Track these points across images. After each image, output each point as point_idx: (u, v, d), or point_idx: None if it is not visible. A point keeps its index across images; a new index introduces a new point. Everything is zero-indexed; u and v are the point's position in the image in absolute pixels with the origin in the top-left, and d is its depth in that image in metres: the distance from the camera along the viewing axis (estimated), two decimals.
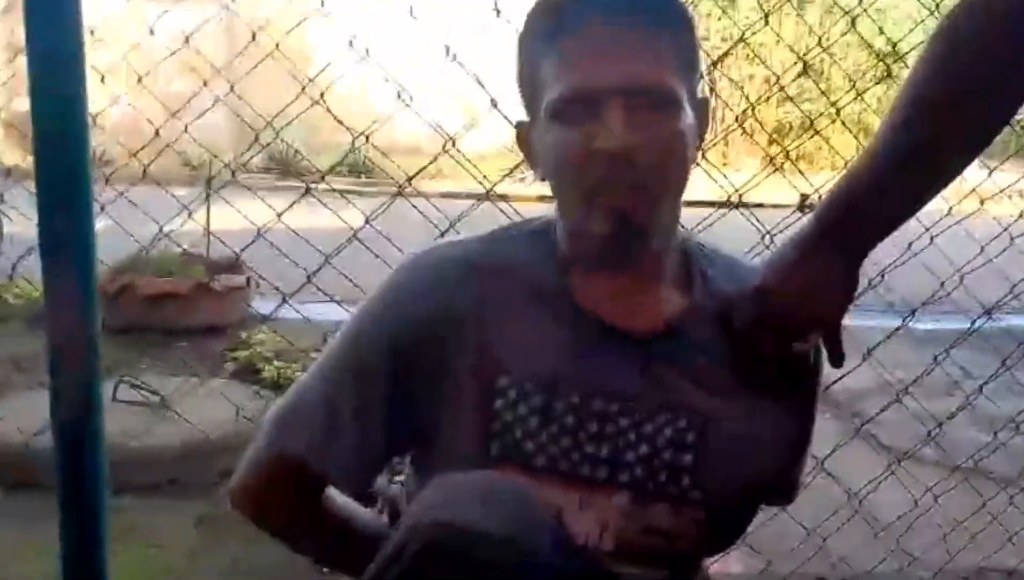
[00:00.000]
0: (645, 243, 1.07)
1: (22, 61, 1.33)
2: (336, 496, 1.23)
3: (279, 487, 1.18)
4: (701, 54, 1.11)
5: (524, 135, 1.16)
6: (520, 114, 1.16)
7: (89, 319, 1.32)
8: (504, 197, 1.97)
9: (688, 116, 1.05)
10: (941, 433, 2.28)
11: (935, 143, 0.97)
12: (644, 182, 1.03)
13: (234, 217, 2.27)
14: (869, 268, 1.18)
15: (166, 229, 1.99)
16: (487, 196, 1.96)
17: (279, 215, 1.85)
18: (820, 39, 2.51)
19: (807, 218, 1.09)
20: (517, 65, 1.12)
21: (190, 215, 2.16)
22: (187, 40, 1.78)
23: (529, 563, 0.94)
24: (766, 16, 2.24)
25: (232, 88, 1.90)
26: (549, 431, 1.09)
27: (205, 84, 1.77)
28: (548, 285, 1.12)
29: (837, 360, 1.13)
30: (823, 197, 1.07)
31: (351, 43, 1.82)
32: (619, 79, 1.01)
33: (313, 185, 1.83)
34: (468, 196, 2.23)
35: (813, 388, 1.19)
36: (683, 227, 1.17)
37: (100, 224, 1.83)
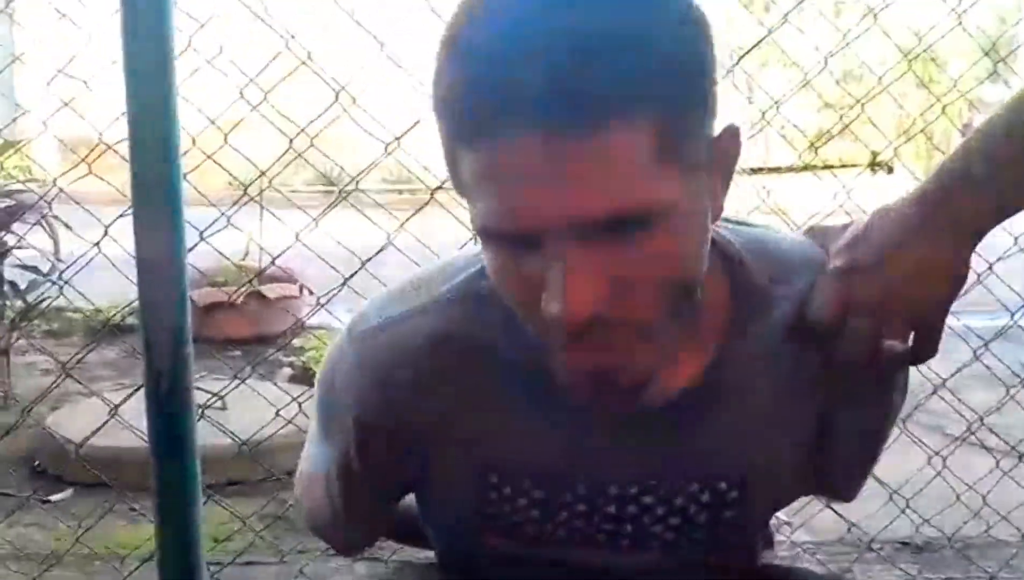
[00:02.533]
0: (644, 377, 0.80)
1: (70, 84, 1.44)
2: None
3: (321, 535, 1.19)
4: (708, 85, 0.75)
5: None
6: None
7: (181, 319, 1.39)
8: None
9: (681, 212, 0.73)
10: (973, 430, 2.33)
11: None
12: (626, 335, 0.76)
13: (283, 231, 2.36)
14: None
15: (216, 244, 2.06)
16: None
17: (315, 220, 1.87)
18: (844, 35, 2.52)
19: (904, 193, 0.90)
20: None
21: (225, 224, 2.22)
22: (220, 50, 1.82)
23: None
24: (782, 16, 2.26)
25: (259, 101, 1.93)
26: (556, 520, 0.95)
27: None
28: (530, 366, 0.87)
29: (927, 355, 0.91)
30: (931, 172, 0.89)
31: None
32: (561, 213, 0.70)
33: (351, 191, 1.87)
34: None
35: (899, 396, 0.97)
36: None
37: None
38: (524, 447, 0.92)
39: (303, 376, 3.67)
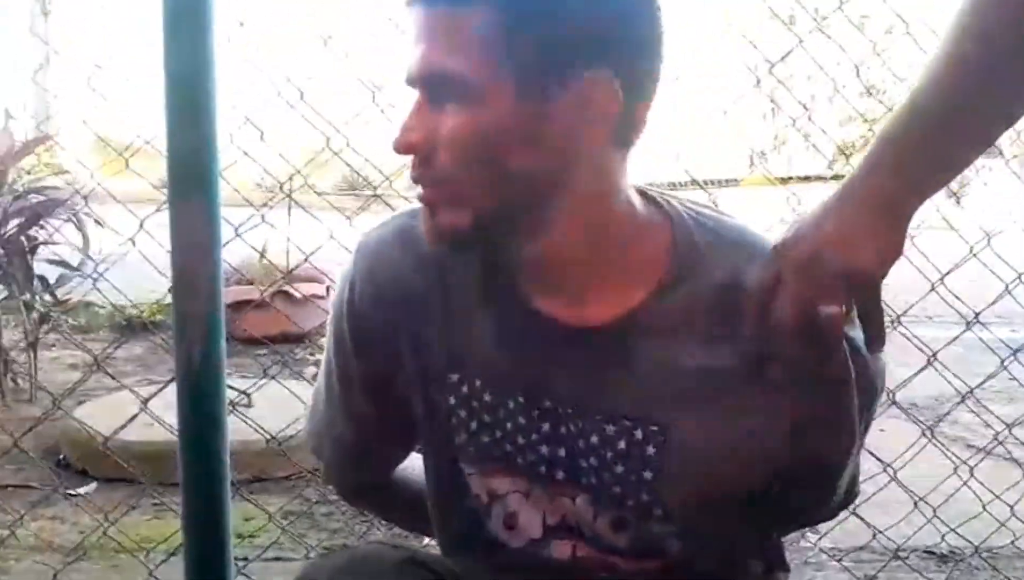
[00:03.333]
0: (473, 236, 0.96)
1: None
2: (416, 464, 1.25)
3: (332, 476, 1.29)
4: (574, 21, 0.91)
5: None
6: None
7: (215, 311, 1.42)
8: None
9: (497, 106, 0.91)
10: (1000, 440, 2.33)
11: (989, 74, 0.88)
12: (440, 178, 0.94)
13: (310, 232, 2.38)
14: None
15: (242, 244, 2.07)
16: None
17: (348, 218, 1.89)
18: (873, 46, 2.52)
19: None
20: None
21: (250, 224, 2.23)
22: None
23: None
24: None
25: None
26: (503, 428, 1.04)
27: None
28: (491, 273, 1.03)
29: (876, 341, 0.96)
30: (867, 151, 0.94)
31: None
32: (415, 67, 0.94)
33: (380, 193, 1.88)
34: None
35: (845, 375, 0.98)
36: (672, 198, 1.04)
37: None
38: (479, 347, 1.03)
39: None
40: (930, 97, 0.91)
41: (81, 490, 2.90)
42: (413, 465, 1.28)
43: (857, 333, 0.97)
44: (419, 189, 0.97)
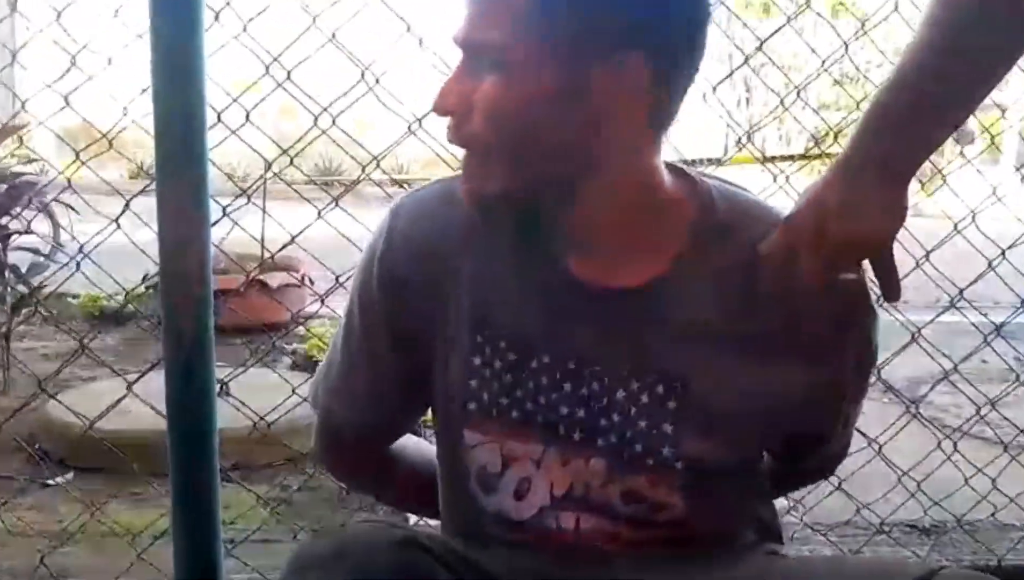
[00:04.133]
0: (505, 201, 1.04)
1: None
2: (410, 446, 1.30)
3: (332, 446, 1.28)
4: (615, 11, 0.97)
5: None
6: None
7: (204, 295, 1.40)
8: None
9: (528, 75, 0.97)
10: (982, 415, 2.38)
11: (974, 39, 0.93)
12: (475, 142, 1.01)
13: (287, 223, 2.38)
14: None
15: (217, 234, 2.04)
16: None
17: (319, 213, 1.88)
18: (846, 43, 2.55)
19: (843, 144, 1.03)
20: None
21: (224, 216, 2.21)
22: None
23: None
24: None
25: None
26: (524, 388, 1.07)
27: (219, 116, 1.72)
28: (526, 237, 1.08)
29: (892, 291, 1.04)
30: (858, 121, 1.01)
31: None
32: (459, 33, 1.01)
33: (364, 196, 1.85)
34: None
35: (863, 331, 1.09)
36: (690, 169, 1.11)
37: (146, 234, 1.92)
38: (507, 309, 1.07)
39: (305, 364, 3.67)
40: (921, 57, 0.95)
41: (59, 479, 2.87)
42: (412, 443, 1.30)
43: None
44: (461, 159, 1.04)
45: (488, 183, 1.02)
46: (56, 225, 3.96)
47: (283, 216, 3.04)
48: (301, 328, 3.87)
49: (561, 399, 1.06)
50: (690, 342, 1.04)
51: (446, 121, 1.03)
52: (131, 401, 2.05)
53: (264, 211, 3.43)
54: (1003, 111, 2.79)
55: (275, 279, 4.06)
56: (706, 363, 1.04)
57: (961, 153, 2.67)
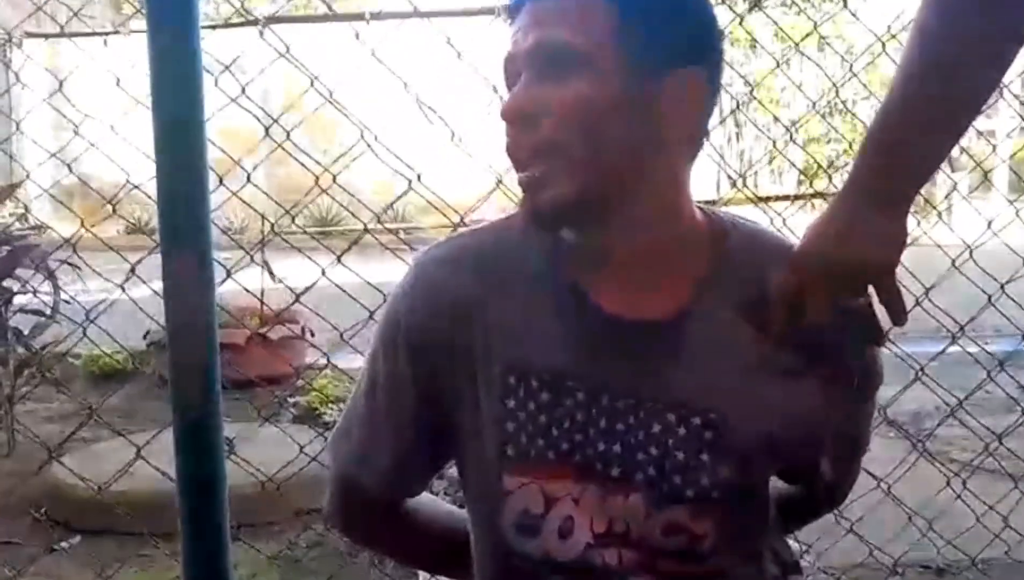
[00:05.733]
0: (576, 215, 1.03)
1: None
2: (426, 502, 1.27)
3: (349, 505, 1.25)
4: (675, 19, 1.01)
5: None
6: None
7: (211, 357, 1.40)
8: None
9: (606, 81, 0.98)
10: (990, 450, 2.36)
11: (962, 61, 0.95)
12: (549, 147, 0.99)
13: (286, 276, 2.38)
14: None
15: (220, 289, 2.05)
16: None
17: (323, 271, 1.88)
18: (836, 85, 2.58)
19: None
20: None
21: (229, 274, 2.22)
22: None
23: None
24: (777, 64, 2.34)
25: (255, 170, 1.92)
26: (560, 427, 1.06)
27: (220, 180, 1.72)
28: (550, 275, 1.08)
29: (898, 315, 1.04)
30: (857, 152, 1.02)
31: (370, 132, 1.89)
32: (525, 43, 1.00)
33: (355, 237, 1.87)
34: None
35: (866, 361, 1.11)
36: (704, 205, 1.12)
37: (147, 291, 1.94)
38: (537, 349, 1.06)
39: (307, 417, 3.66)
40: (908, 88, 0.97)
41: (65, 543, 2.85)
42: (428, 499, 1.28)
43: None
44: (521, 173, 1.03)
45: (563, 191, 1.00)
46: (56, 286, 3.97)
47: (281, 268, 3.04)
48: (300, 380, 3.85)
49: (597, 436, 1.06)
50: (721, 371, 1.05)
51: (503, 134, 1.02)
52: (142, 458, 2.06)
53: (265, 265, 3.43)
54: (994, 147, 2.81)
55: (275, 332, 4.06)
56: (738, 392, 1.05)
57: (955, 186, 2.69)
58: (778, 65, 2.25)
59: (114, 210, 1.66)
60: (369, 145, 1.70)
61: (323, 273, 1.74)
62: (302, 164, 1.83)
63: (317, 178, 1.69)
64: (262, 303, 4.12)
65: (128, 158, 1.90)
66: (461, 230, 1.18)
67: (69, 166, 1.73)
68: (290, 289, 2.12)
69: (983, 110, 1.03)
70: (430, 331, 1.10)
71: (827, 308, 1.01)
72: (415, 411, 1.13)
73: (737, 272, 1.07)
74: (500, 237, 1.12)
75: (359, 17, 2.38)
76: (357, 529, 1.32)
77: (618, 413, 1.05)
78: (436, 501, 1.33)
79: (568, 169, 0.99)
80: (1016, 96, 2.98)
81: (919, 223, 2.38)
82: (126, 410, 4.23)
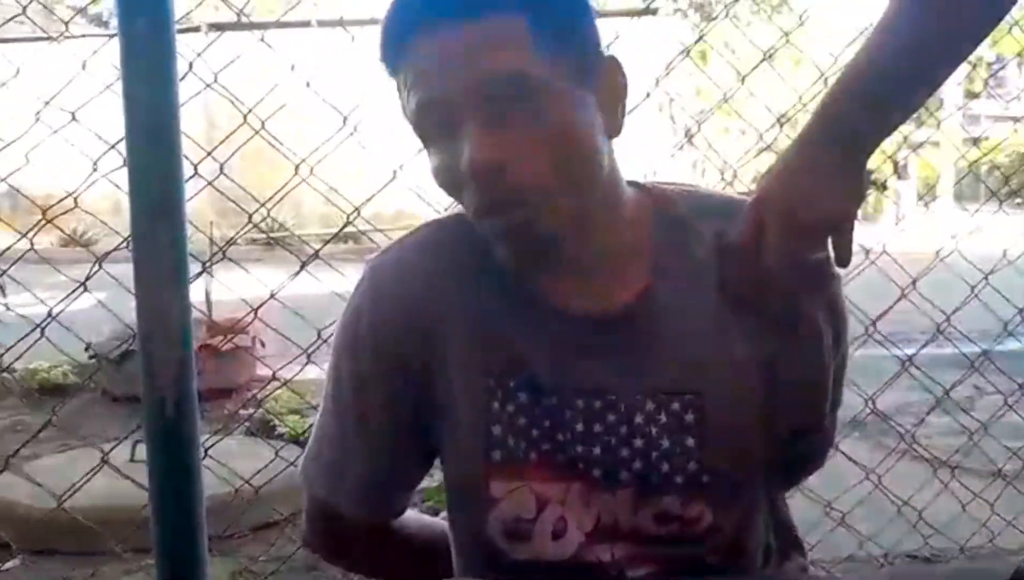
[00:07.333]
0: (565, 239, 0.97)
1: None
2: (410, 521, 1.21)
3: (328, 529, 1.18)
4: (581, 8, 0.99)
5: None
6: None
7: (187, 363, 1.33)
8: None
9: (563, 98, 0.94)
10: (975, 442, 2.38)
11: (941, 16, 0.95)
12: (524, 196, 0.93)
13: (230, 285, 2.32)
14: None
15: None
16: None
17: (272, 295, 1.85)
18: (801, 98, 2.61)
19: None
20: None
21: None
22: None
23: None
24: (743, 79, 2.37)
25: (221, 168, 1.80)
26: (540, 429, 1.03)
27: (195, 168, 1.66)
28: (507, 280, 1.03)
29: (845, 258, 1.00)
30: (821, 99, 1.00)
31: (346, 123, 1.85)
32: (461, 83, 0.91)
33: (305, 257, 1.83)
34: None
35: (831, 301, 1.07)
36: (638, 181, 1.09)
37: (91, 300, 1.85)
38: (511, 351, 1.03)
39: (262, 429, 3.54)
40: (887, 36, 0.96)
41: (6, 565, 2.71)
42: (412, 515, 1.23)
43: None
44: (496, 221, 0.96)
45: (557, 220, 0.95)
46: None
47: (227, 279, 2.94)
48: (250, 393, 3.74)
49: (577, 438, 1.03)
50: (691, 350, 1.02)
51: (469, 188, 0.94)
52: (82, 475, 1.95)
53: (208, 272, 3.33)
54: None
55: (225, 342, 3.94)
56: (710, 367, 1.03)
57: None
58: (743, 81, 2.25)
59: (47, 220, 1.56)
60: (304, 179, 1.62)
61: (302, 273, 1.66)
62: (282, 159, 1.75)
63: (297, 165, 1.60)
64: (209, 312, 4.01)
65: (61, 168, 1.83)
66: (410, 230, 1.11)
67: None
68: (244, 301, 2.04)
69: (955, 68, 1.00)
70: (395, 331, 1.06)
71: (787, 253, 0.98)
72: (388, 418, 1.08)
73: (689, 237, 1.04)
74: (450, 238, 1.07)
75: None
76: (337, 551, 1.24)
77: (595, 413, 1.03)
78: (421, 516, 1.27)
79: (548, 208, 0.94)
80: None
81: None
82: (69, 425, 4.06)
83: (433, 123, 0.95)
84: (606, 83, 0.99)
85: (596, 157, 0.97)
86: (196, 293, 3.40)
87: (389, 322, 1.06)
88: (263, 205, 1.75)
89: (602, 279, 1.03)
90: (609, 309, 1.02)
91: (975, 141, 4.44)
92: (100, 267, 1.65)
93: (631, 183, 1.07)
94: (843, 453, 1.28)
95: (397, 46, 0.95)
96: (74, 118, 1.62)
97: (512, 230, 0.95)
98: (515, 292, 1.04)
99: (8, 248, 1.91)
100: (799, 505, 1.32)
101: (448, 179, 0.97)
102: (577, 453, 1.03)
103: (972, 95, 9.31)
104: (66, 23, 2.07)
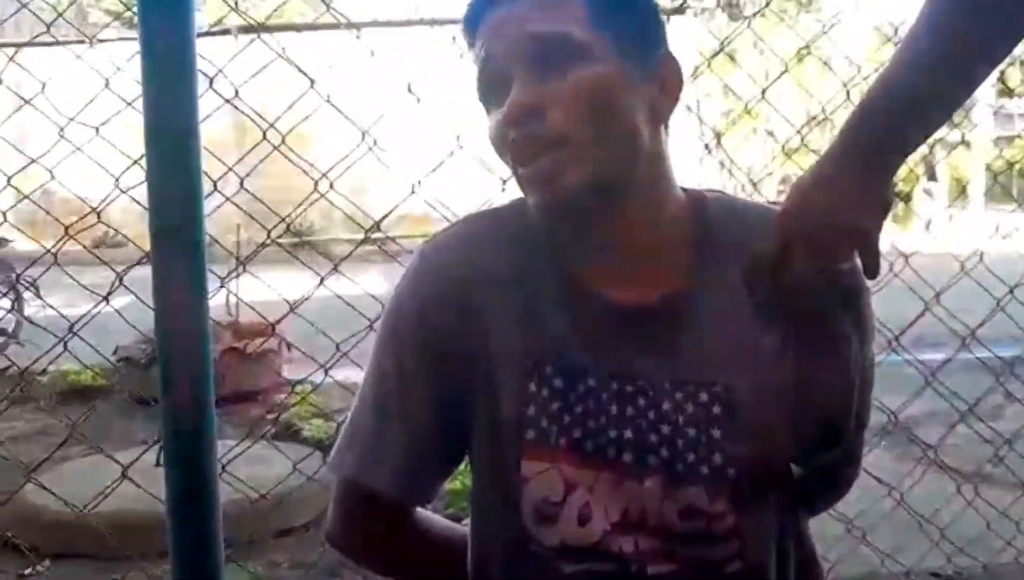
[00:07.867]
0: (594, 202, 1.02)
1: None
2: (433, 519, 1.22)
3: (355, 518, 1.18)
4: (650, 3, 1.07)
5: None
6: None
7: (204, 371, 1.33)
8: None
9: (606, 65, 1.00)
10: (1001, 456, 2.34)
11: (959, 39, 0.95)
12: (558, 137, 0.99)
13: (257, 288, 2.32)
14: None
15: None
16: None
17: (304, 299, 1.85)
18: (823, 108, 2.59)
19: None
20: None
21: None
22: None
23: None
24: (763, 92, 2.36)
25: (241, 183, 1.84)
26: (573, 414, 1.06)
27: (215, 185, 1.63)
28: (550, 264, 1.08)
29: (873, 270, 1.02)
30: (849, 114, 1.01)
31: (363, 135, 1.85)
32: (513, 43, 1.00)
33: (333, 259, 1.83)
34: None
35: (859, 314, 1.09)
36: (688, 186, 1.12)
37: (123, 301, 1.86)
38: (550, 336, 1.06)
39: (286, 434, 3.55)
40: (915, 52, 0.97)
41: (34, 569, 2.74)
42: (437, 518, 1.24)
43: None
44: (530, 167, 1.01)
45: (581, 176, 0.99)
46: (20, 301, 3.85)
47: (255, 281, 2.96)
48: (278, 397, 3.75)
49: (609, 422, 1.06)
50: (722, 346, 1.06)
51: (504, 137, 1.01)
52: (109, 480, 1.97)
53: (234, 277, 3.34)
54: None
55: (252, 346, 3.95)
56: (740, 365, 1.05)
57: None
58: (763, 94, 2.24)
59: (70, 236, 1.57)
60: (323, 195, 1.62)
61: (322, 280, 1.67)
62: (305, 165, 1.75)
63: (317, 180, 1.61)
64: (236, 315, 4.03)
65: (94, 174, 1.84)
66: (461, 218, 1.16)
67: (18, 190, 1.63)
68: (287, 302, 2.04)
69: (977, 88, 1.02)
70: (439, 313, 1.09)
71: (812, 269, 1.01)
72: (427, 400, 1.10)
73: (722, 240, 1.08)
74: (499, 225, 1.12)
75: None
76: (363, 546, 1.23)
77: (627, 397, 1.06)
78: (432, 515, 1.25)
79: (579, 157, 0.99)
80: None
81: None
82: (97, 429, 4.10)
83: (489, 87, 1.03)
84: (660, 74, 1.05)
85: (633, 131, 1.02)
86: (221, 296, 3.42)
87: (433, 306, 1.09)
88: (283, 219, 1.74)
89: (644, 271, 1.07)
90: (648, 300, 1.06)
91: (1009, 140, 4.38)
92: (120, 282, 1.65)
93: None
94: (865, 471, 1.25)
95: (471, 22, 1.04)
96: (97, 133, 1.63)
97: (541, 176, 1.00)
98: (560, 277, 1.08)
99: (45, 252, 1.92)
100: (820, 519, 1.29)
101: (496, 135, 1.04)
102: (609, 438, 1.05)
103: (1007, 92, 9.17)
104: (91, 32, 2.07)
